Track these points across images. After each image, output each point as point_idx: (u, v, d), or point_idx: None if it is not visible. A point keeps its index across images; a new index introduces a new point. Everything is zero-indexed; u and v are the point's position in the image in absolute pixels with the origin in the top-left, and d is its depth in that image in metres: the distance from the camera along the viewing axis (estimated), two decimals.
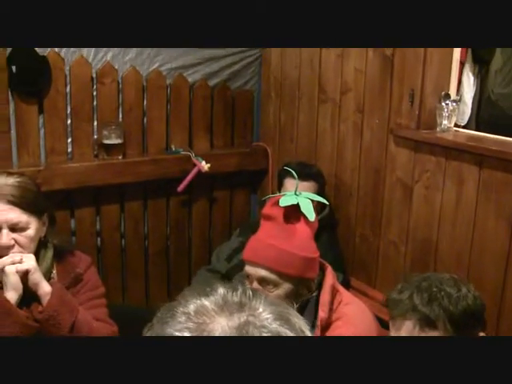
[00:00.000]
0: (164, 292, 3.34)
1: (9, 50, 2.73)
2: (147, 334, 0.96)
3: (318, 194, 2.46)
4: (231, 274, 2.77)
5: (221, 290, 0.95)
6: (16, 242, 2.03)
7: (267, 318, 0.89)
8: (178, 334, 0.89)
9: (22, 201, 2.04)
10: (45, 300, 2.01)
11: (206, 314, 0.90)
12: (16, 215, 2.03)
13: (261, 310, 0.91)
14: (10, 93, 2.81)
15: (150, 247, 3.28)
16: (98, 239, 3.13)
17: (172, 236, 3.33)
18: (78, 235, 3.04)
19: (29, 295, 2.04)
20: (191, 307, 0.92)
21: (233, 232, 3.19)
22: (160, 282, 3.34)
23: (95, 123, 3.03)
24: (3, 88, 2.78)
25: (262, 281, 1.89)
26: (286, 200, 1.90)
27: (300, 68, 3.18)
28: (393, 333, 1.81)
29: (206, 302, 0.92)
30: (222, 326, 0.88)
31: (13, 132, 2.86)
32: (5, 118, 2.81)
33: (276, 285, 1.88)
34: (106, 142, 3.01)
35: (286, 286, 1.89)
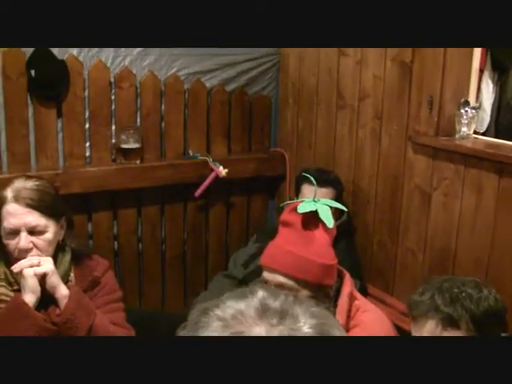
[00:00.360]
0: (180, 297, 3.34)
1: (28, 54, 2.75)
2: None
3: (336, 200, 2.45)
4: (248, 280, 2.77)
5: (260, 294, 0.89)
6: (34, 245, 2.05)
7: (307, 333, 0.85)
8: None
9: (41, 204, 2.06)
10: (62, 303, 2.03)
11: (244, 323, 0.84)
12: (34, 218, 2.04)
13: (301, 323, 0.85)
14: (29, 96, 2.83)
15: (166, 252, 3.28)
16: (115, 243, 3.13)
17: (189, 241, 3.33)
18: (95, 239, 3.05)
19: (46, 298, 2.05)
20: (228, 312, 0.86)
21: (250, 238, 3.19)
22: (176, 287, 3.33)
23: (113, 127, 3.04)
24: (22, 92, 2.80)
25: (280, 287, 1.87)
26: (304, 206, 1.89)
27: (318, 74, 3.17)
28: (414, 333, 1.80)
29: (244, 308, 0.86)
30: None
31: (31, 135, 2.87)
32: (24, 121, 2.83)
33: (294, 291, 1.87)
34: (124, 146, 3.01)
35: (303, 293, 1.87)
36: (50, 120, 2.89)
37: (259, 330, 0.83)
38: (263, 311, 0.86)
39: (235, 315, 0.85)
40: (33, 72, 2.79)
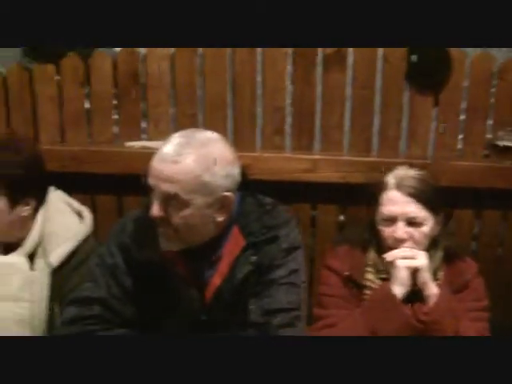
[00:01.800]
0: None
1: None
2: None
3: None
4: None
5: None
6: (410, 236, 2.00)
7: None
8: None
9: (422, 195, 2.01)
10: (431, 302, 1.95)
11: None
12: (414, 209, 2.01)
13: None
14: (406, 82, 2.78)
15: None
16: (474, 244, 2.96)
17: None
18: None
19: (412, 293, 2.00)
20: None
21: None
22: None
23: (490, 122, 2.86)
24: (401, 77, 2.77)
25: None
26: None
27: None
28: None
29: None
30: None
31: (404, 121, 2.83)
32: (399, 106, 2.80)
33: None
34: (500, 143, 2.82)
35: None
36: (426, 108, 2.82)
37: None
38: None
39: None
40: (414, 57, 2.73)
